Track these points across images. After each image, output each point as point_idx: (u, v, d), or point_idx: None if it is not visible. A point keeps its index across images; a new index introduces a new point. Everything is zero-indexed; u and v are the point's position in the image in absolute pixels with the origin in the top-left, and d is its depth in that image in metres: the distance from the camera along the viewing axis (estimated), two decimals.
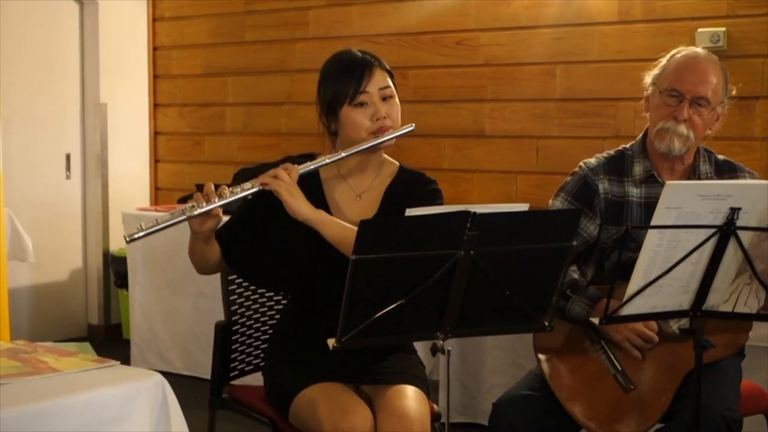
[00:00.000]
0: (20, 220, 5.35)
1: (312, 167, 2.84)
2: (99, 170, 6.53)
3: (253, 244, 2.95)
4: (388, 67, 2.96)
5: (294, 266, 2.93)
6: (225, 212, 2.82)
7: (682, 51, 3.12)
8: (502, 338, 4.47)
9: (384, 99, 2.90)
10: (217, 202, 2.74)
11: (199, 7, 6.48)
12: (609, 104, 4.99)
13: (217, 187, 2.77)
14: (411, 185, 2.98)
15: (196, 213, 2.72)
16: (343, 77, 2.90)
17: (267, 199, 2.83)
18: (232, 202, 2.77)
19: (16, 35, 6.04)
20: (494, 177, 5.39)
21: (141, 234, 2.70)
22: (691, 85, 3.02)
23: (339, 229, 2.79)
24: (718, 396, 2.82)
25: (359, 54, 2.95)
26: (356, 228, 2.28)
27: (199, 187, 2.81)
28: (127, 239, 2.74)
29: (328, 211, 2.89)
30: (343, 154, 2.85)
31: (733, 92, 3.12)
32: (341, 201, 2.96)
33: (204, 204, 2.73)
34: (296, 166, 2.82)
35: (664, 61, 3.13)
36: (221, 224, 2.89)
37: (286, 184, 2.78)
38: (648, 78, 3.16)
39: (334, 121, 2.93)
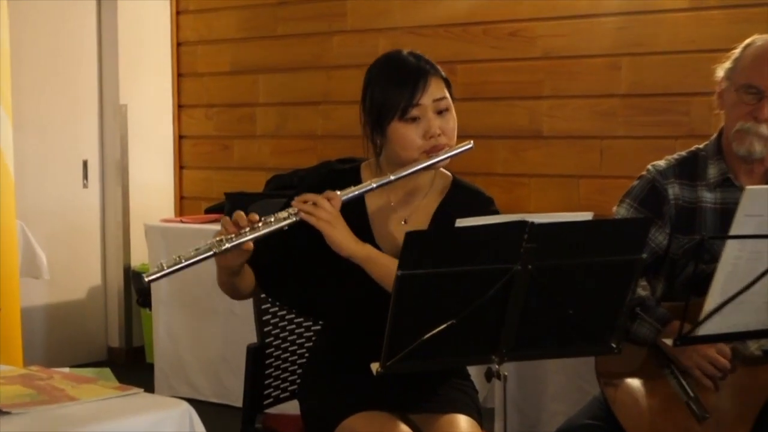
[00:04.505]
0: (33, 233, 5.40)
1: (356, 192, 2.74)
2: (119, 178, 6.59)
3: (291, 272, 2.89)
4: (444, 74, 2.85)
5: (336, 296, 2.90)
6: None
7: (758, 40, 3.06)
8: (565, 361, 4.45)
9: (439, 112, 2.80)
10: (249, 236, 2.64)
11: None
12: (681, 100, 4.96)
13: (247, 215, 2.67)
14: (465, 205, 2.87)
15: (224, 248, 2.63)
16: (394, 87, 2.79)
17: (305, 226, 2.72)
18: (265, 234, 2.66)
19: (28, 34, 6.11)
20: (553, 182, 5.37)
21: (162, 273, 2.60)
22: None
23: (386, 266, 2.69)
24: None
25: (412, 59, 2.83)
26: None
27: (228, 203, 2.74)
28: (146, 280, 2.62)
29: (372, 238, 2.84)
30: (392, 178, 2.75)
31: None
32: (387, 227, 2.89)
33: (233, 237, 2.64)
34: (338, 193, 2.73)
35: (738, 52, 3.08)
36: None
37: (327, 214, 2.69)
38: (720, 71, 3.11)
39: (380, 136, 2.84)
